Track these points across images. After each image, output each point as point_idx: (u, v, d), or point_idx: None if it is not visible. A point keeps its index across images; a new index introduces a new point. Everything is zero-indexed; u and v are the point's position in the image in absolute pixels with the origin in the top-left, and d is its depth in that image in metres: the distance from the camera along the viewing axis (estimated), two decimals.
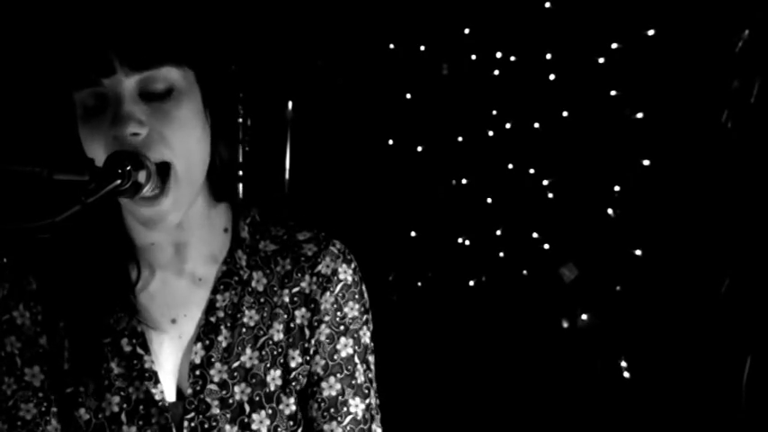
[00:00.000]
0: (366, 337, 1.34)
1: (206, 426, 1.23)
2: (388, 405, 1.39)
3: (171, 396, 1.25)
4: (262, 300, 1.29)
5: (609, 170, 3.49)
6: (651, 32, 3.33)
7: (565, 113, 3.62)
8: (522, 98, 3.77)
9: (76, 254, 1.27)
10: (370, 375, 1.34)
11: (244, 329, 1.27)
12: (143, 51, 1.13)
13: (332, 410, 1.29)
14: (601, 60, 3.47)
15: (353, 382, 1.31)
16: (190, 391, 1.24)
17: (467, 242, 3.97)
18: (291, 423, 1.27)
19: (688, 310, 3.20)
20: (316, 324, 1.29)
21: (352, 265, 1.33)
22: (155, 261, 1.28)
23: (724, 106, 3.12)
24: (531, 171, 3.75)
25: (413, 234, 4.09)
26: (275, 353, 1.27)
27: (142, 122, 1.13)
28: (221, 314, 1.26)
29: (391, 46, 4.05)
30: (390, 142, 4.13)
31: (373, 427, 1.33)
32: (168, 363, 1.26)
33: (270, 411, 1.25)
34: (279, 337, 1.28)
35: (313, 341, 1.29)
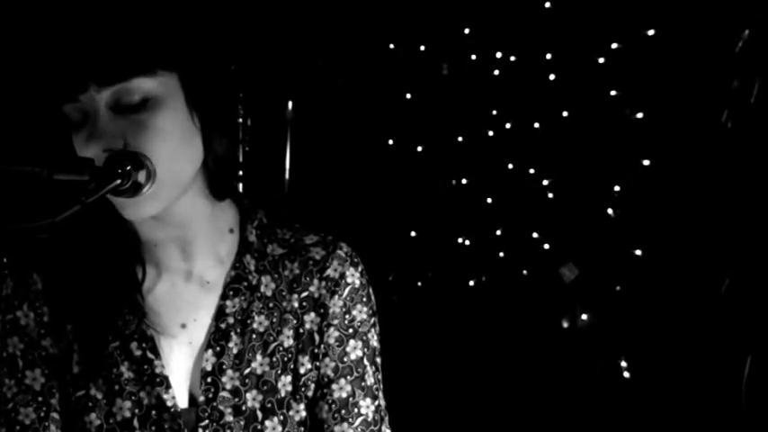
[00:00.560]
0: (374, 340, 1.34)
1: None
2: (388, 405, 1.39)
3: (183, 402, 1.25)
4: (271, 305, 1.29)
5: (609, 170, 3.49)
6: (651, 32, 3.33)
7: (565, 113, 3.62)
8: (522, 98, 3.77)
9: (81, 252, 1.26)
10: (378, 377, 1.35)
11: (254, 335, 1.27)
12: (109, 66, 1.12)
13: (343, 412, 1.30)
14: (601, 60, 3.47)
15: (363, 383, 1.31)
16: (203, 398, 1.23)
17: (467, 242, 3.97)
18: (302, 429, 1.28)
19: (688, 310, 3.20)
20: (325, 328, 1.30)
21: (359, 268, 1.33)
22: (161, 261, 1.28)
23: (724, 106, 3.12)
24: (531, 171, 3.75)
25: (413, 234, 4.09)
26: (285, 359, 1.27)
27: (115, 137, 1.13)
28: (231, 320, 1.26)
29: (391, 46, 4.05)
30: (390, 142, 4.13)
31: (383, 428, 1.33)
32: (179, 368, 1.25)
33: (281, 418, 1.26)
34: (289, 342, 1.28)
35: (322, 345, 1.29)
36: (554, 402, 3.50)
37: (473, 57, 3.89)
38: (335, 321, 1.30)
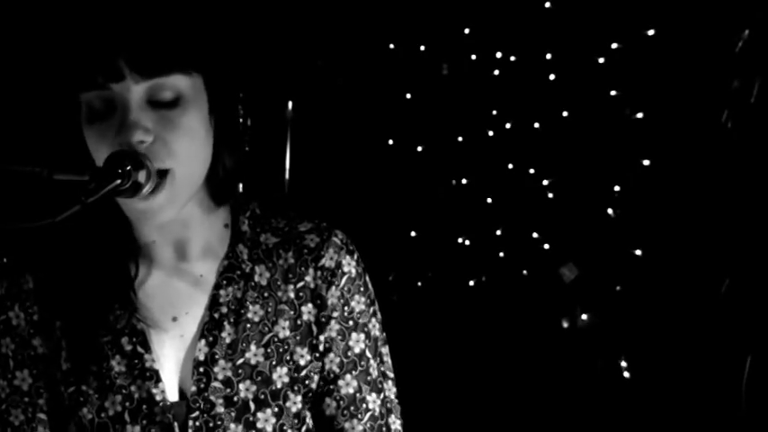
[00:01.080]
0: (375, 330, 1.33)
1: (210, 425, 1.22)
2: None
3: (173, 395, 1.24)
4: (266, 294, 1.28)
5: (609, 170, 3.49)
6: (651, 32, 3.33)
7: (565, 113, 3.62)
8: (522, 98, 3.77)
9: (76, 251, 1.26)
10: (382, 368, 1.34)
11: (248, 325, 1.26)
12: (153, 59, 1.13)
13: (351, 408, 1.29)
14: (601, 60, 3.47)
15: (369, 377, 1.31)
16: (194, 388, 1.23)
17: (467, 242, 3.97)
18: (296, 421, 1.26)
19: (688, 311, 3.20)
20: (323, 320, 1.29)
21: (355, 256, 1.32)
22: (155, 259, 1.28)
23: (724, 106, 3.12)
24: (531, 171, 3.75)
25: (413, 234, 4.09)
26: (281, 350, 1.26)
27: (148, 130, 1.13)
28: (225, 310, 1.25)
29: (391, 46, 4.05)
30: (390, 142, 4.13)
31: (389, 420, 1.33)
32: (170, 361, 1.25)
33: (276, 409, 1.24)
34: (285, 333, 1.27)
35: (322, 337, 1.29)
36: (554, 402, 3.50)
37: (473, 57, 3.89)
38: (335, 314, 1.29)
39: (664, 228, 3.34)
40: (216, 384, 1.23)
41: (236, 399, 1.23)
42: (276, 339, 1.26)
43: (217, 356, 1.24)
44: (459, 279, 3.96)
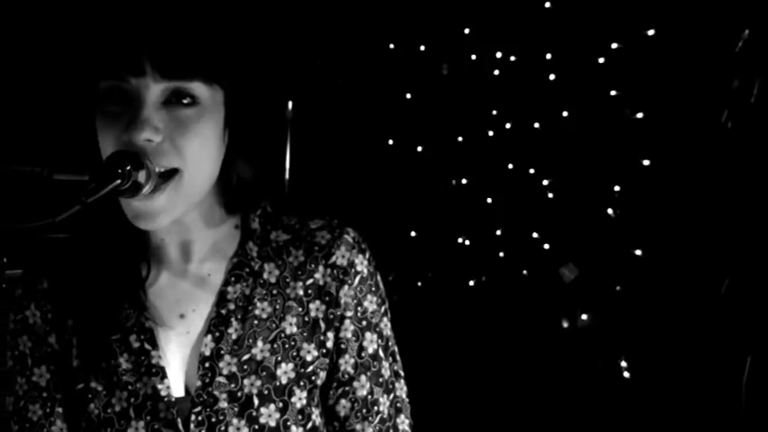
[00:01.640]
0: (387, 329, 1.33)
1: (213, 420, 1.22)
2: None
3: (179, 391, 1.25)
4: (274, 292, 1.28)
5: (609, 170, 3.50)
6: (651, 32, 3.33)
7: (565, 113, 3.62)
8: (522, 98, 3.77)
9: (90, 253, 1.28)
10: (395, 368, 1.34)
11: (256, 321, 1.26)
12: (179, 61, 1.12)
13: (364, 411, 1.30)
14: (601, 60, 3.48)
15: (381, 379, 1.31)
16: (199, 383, 1.23)
17: (467, 242, 3.97)
18: (300, 417, 1.26)
19: (688, 310, 3.20)
20: (331, 317, 1.29)
21: (367, 255, 1.31)
22: (163, 258, 1.29)
23: (724, 106, 3.12)
24: (531, 171, 3.75)
25: (413, 234, 4.10)
26: (287, 346, 1.26)
27: (158, 130, 1.13)
28: (232, 306, 1.26)
29: (391, 46, 4.05)
30: (390, 142, 4.13)
31: (397, 421, 1.33)
32: (177, 358, 1.26)
33: (281, 405, 1.25)
34: (292, 330, 1.27)
35: (330, 335, 1.29)
36: (554, 402, 3.50)
37: (473, 57, 3.89)
38: (348, 314, 1.29)
39: (664, 228, 3.34)
40: (220, 379, 1.23)
41: (239, 394, 1.23)
42: (283, 335, 1.26)
43: (222, 352, 1.24)
44: (459, 279, 3.96)
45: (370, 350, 1.31)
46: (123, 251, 1.27)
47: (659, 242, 3.36)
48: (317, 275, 1.28)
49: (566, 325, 3.63)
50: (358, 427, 1.30)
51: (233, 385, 1.23)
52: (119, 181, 1.08)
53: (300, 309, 1.28)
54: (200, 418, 1.22)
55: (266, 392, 1.24)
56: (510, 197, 3.84)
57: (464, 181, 3.97)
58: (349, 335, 1.29)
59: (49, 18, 2.75)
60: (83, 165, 1.07)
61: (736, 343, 2.99)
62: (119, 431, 1.23)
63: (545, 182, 3.70)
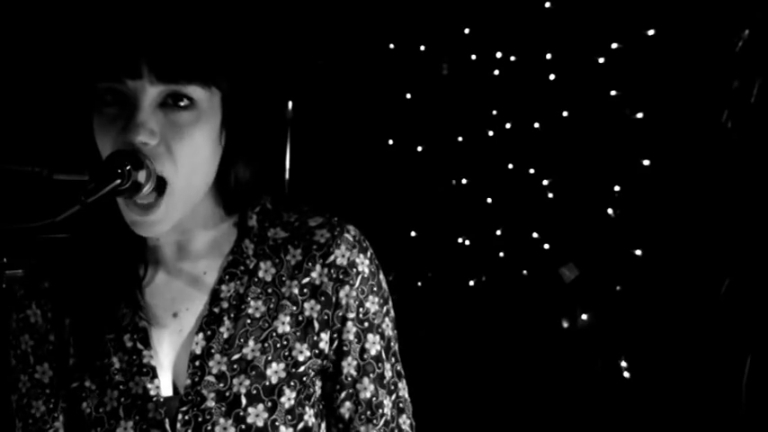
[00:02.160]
0: (389, 329, 1.32)
1: (200, 419, 1.22)
2: None
3: (169, 390, 1.24)
4: (269, 290, 1.26)
5: (609, 170, 3.50)
6: (651, 32, 3.33)
7: (565, 113, 3.63)
8: (522, 98, 3.77)
9: (90, 254, 1.28)
10: (397, 368, 1.34)
11: (248, 320, 1.25)
12: (175, 65, 1.12)
13: (368, 413, 1.29)
14: (601, 60, 3.48)
15: (384, 380, 1.31)
16: (188, 382, 1.23)
17: (467, 242, 3.97)
18: (290, 417, 1.26)
19: (688, 310, 3.20)
20: (326, 317, 1.28)
21: (369, 254, 1.29)
22: (160, 257, 1.29)
23: (724, 106, 3.12)
24: (531, 171, 3.75)
25: (413, 234, 4.10)
26: (278, 345, 1.25)
27: (154, 133, 1.13)
28: (225, 305, 1.25)
29: (391, 46, 4.05)
30: (390, 142, 4.13)
31: (400, 421, 1.32)
32: (168, 357, 1.25)
33: (269, 404, 1.24)
34: (284, 329, 1.26)
35: (324, 335, 1.28)
36: (554, 402, 3.50)
37: (473, 57, 3.90)
38: (351, 315, 1.27)
39: (664, 228, 3.34)
40: (209, 378, 1.23)
41: (228, 393, 1.23)
42: (275, 334, 1.25)
43: (213, 350, 1.23)
44: (459, 279, 3.96)
45: (373, 352, 1.30)
46: (121, 251, 1.27)
47: (659, 242, 3.36)
48: (314, 274, 1.27)
49: (566, 325, 3.63)
50: (362, 429, 1.29)
51: (221, 384, 1.23)
52: (119, 181, 1.08)
53: (295, 308, 1.26)
54: (186, 417, 1.22)
55: (255, 392, 1.23)
56: (510, 197, 3.84)
57: (464, 181, 3.97)
58: (351, 337, 1.28)
59: (47, 19, 2.75)
60: (83, 165, 1.06)
61: (736, 343, 2.99)
62: (108, 431, 1.23)
63: (545, 182, 3.70)
